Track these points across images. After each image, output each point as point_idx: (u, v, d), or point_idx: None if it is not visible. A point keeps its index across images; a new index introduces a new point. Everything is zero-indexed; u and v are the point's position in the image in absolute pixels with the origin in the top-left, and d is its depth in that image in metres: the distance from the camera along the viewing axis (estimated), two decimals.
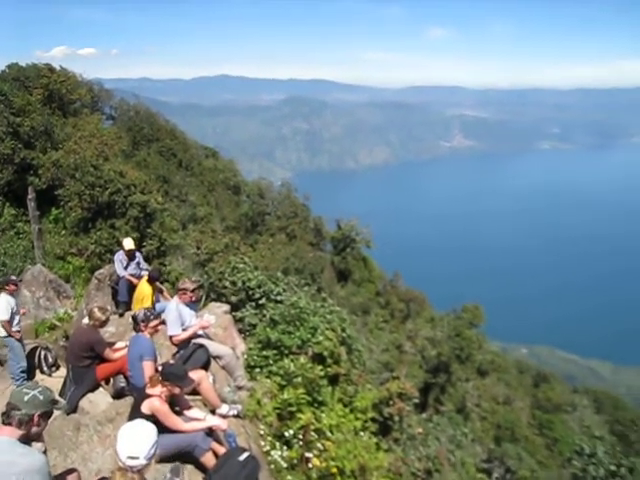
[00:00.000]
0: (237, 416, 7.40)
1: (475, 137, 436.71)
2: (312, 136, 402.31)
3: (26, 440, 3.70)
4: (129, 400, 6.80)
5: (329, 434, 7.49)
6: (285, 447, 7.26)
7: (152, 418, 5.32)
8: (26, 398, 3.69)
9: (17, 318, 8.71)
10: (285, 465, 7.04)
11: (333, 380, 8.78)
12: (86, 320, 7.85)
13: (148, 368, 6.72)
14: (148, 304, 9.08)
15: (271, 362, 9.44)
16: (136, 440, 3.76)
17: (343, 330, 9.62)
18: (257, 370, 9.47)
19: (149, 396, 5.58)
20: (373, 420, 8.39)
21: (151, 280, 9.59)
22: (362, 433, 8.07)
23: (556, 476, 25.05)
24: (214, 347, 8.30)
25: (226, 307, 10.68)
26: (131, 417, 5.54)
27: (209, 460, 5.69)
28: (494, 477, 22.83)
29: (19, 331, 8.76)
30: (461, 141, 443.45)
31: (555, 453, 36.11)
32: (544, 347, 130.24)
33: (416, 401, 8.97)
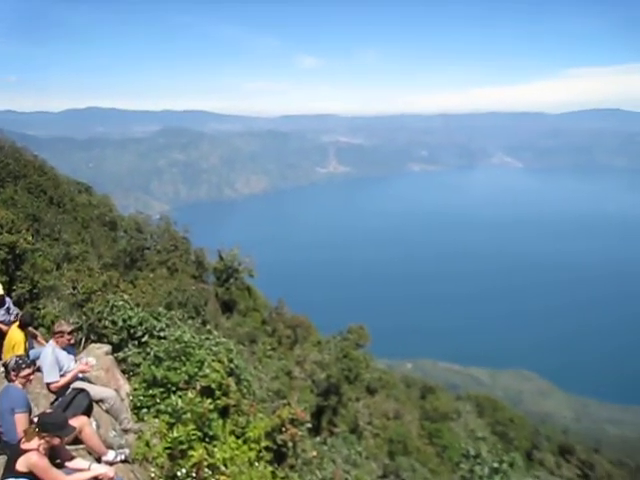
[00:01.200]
0: (125, 461, 7.10)
1: (350, 163, 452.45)
2: (189, 167, 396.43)
3: None
4: (1, 459, 6.28)
5: (223, 468, 7.36)
6: None
7: (30, 475, 4.97)
8: None
9: None
10: None
11: (223, 412, 8.66)
12: None
13: (21, 421, 6.27)
14: (20, 351, 8.51)
15: (158, 400, 9.15)
16: None
17: (230, 361, 9.54)
18: (144, 410, 9.14)
19: (25, 451, 5.20)
20: (267, 449, 8.36)
21: (23, 325, 9.04)
22: (257, 463, 8.00)
23: None
24: (96, 390, 7.94)
25: (107, 348, 10.25)
26: (4, 477, 5.14)
27: None
28: None
29: None
30: (337, 167, 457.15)
31: (445, 459, 37.72)
32: (427, 360, 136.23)
33: (309, 425, 9.04)
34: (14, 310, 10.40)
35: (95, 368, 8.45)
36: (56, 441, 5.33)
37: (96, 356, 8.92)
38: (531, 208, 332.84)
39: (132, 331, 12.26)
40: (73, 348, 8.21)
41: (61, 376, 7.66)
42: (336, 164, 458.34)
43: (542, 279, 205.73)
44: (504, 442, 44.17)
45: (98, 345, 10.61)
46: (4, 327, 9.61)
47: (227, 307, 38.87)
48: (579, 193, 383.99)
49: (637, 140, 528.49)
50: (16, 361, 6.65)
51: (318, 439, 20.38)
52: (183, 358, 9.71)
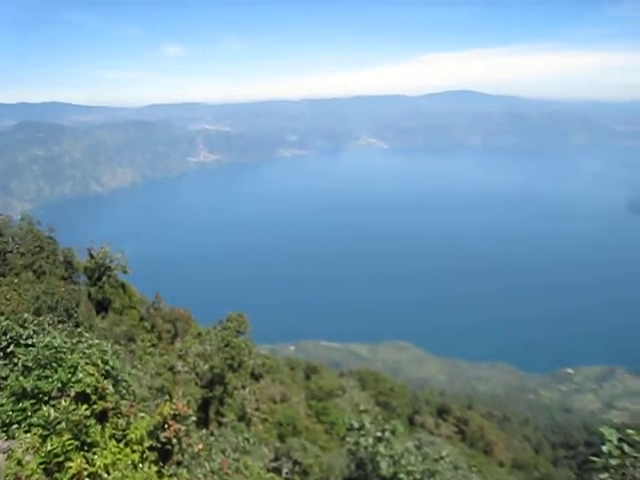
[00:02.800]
0: None
1: (219, 151, 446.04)
2: (51, 163, 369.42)
3: None
4: None
5: (105, 475, 7.06)
6: None
7: None
8: None
9: None
10: None
11: (101, 417, 8.28)
12: None
13: None
14: None
15: (29, 413, 8.53)
16: None
17: (105, 363, 9.11)
18: (14, 426, 8.50)
19: None
20: (151, 448, 8.13)
21: None
22: (141, 465, 7.76)
23: (336, 455, 26.93)
24: None
25: None
26: None
27: None
28: (284, 472, 23.71)
29: None
30: (207, 155, 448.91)
31: (334, 435, 38.89)
32: (309, 341, 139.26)
33: (194, 419, 8.90)
34: None
35: None
36: None
37: None
38: (396, 185, 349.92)
39: None
40: None
41: None
42: (206, 153, 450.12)
43: (405, 250, 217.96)
44: (387, 411, 46.40)
45: None
46: None
47: (102, 307, 37.00)
48: (438, 169, 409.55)
49: (489, 120, 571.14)
50: None
51: (205, 431, 20.17)
52: (54, 365, 9.11)
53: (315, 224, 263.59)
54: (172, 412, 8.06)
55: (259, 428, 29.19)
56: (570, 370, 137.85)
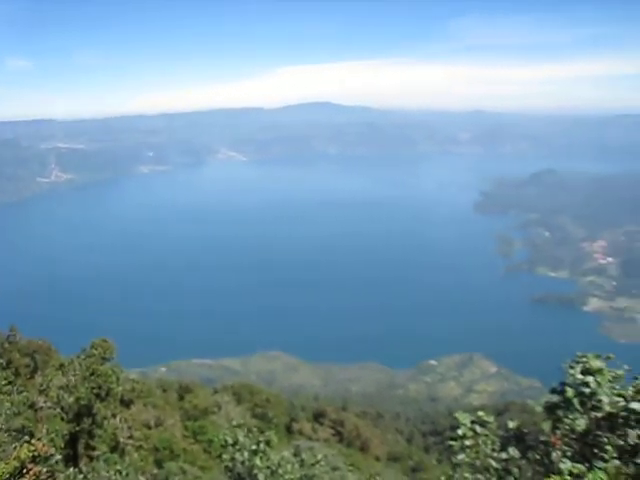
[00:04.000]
0: None
1: (73, 169, 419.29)
2: None
3: None
4: None
5: None
6: None
7: None
8: None
9: None
10: None
11: None
12: None
13: None
14: None
15: None
16: None
17: None
18: None
19: None
20: None
21: None
22: None
23: (217, 474, 26.55)
24: None
25: None
26: None
27: None
28: None
29: None
30: (59, 175, 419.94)
31: (213, 454, 38.21)
32: (180, 361, 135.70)
33: (59, 457, 8.39)
34: None
35: None
36: None
37: None
38: (255, 197, 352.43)
39: None
40: None
41: None
42: (58, 172, 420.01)
43: (265, 260, 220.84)
44: (265, 422, 46.43)
45: None
46: None
47: None
48: (297, 180, 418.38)
49: (346, 130, 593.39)
50: None
51: (73, 469, 19.00)
52: None
53: (175, 238, 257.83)
54: (31, 454, 7.45)
55: (134, 457, 27.93)
56: (433, 362, 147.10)
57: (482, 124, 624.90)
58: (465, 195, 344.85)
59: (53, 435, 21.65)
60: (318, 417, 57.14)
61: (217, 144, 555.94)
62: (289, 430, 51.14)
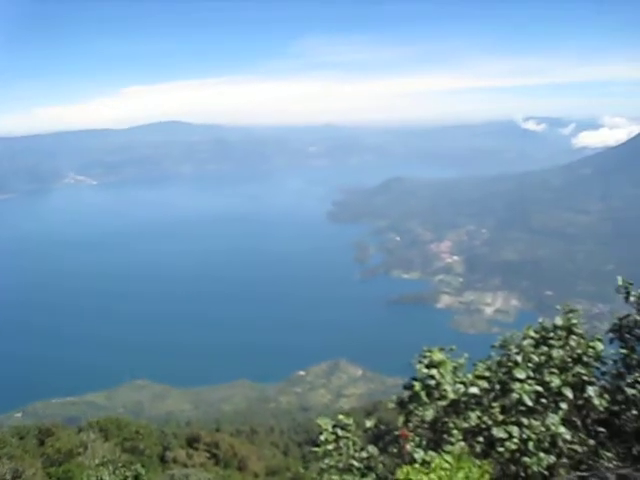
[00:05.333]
0: None
1: None
2: None
3: None
4: None
5: None
6: None
7: None
8: None
9: None
10: None
11: None
12: None
13: None
14: None
15: None
16: None
17: None
18: None
19: None
20: None
21: None
22: None
23: None
24: None
25: None
26: None
27: None
28: None
29: None
30: None
31: None
32: (37, 403, 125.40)
33: None
34: None
35: None
36: None
37: None
38: (108, 220, 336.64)
39: None
40: None
41: None
42: None
43: (115, 287, 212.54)
44: (136, 455, 44.55)
45: None
46: None
47: None
48: (149, 201, 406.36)
49: (198, 148, 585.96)
50: None
51: None
52: None
53: (20, 270, 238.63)
54: None
55: None
56: (302, 372, 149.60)
57: (332, 137, 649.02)
58: (319, 206, 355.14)
59: None
60: (192, 442, 55.86)
61: (64, 168, 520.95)
62: (163, 460, 49.46)
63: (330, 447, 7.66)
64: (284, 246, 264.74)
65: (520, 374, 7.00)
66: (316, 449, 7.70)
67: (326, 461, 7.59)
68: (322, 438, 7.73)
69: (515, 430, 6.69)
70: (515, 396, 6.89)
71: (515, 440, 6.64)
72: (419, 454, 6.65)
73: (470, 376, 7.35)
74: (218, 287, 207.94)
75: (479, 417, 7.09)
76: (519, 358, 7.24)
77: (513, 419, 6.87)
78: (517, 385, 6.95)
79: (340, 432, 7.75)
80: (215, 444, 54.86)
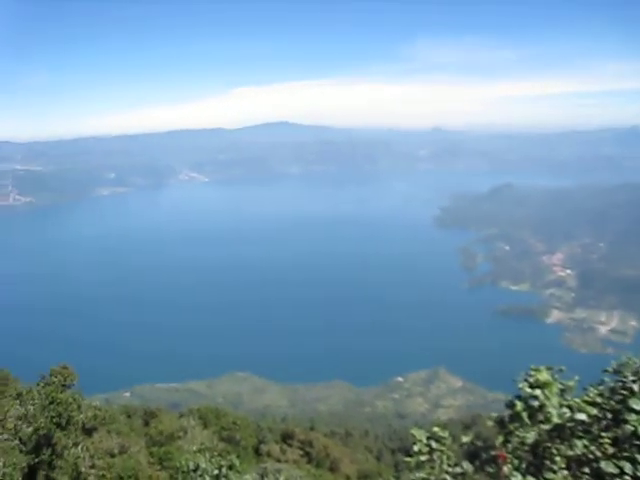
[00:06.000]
0: None
1: (31, 192, 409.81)
2: None
3: None
4: None
5: None
6: None
7: None
8: None
9: None
10: None
11: None
12: None
13: None
14: None
15: None
16: None
17: None
18: None
19: None
20: None
21: None
22: None
23: None
24: None
25: None
26: None
27: None
28: None
29: None
30: (17, 198, 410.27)
31: None
32: (145, 385, 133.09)
33: None
34: None
35: None
36: None
37: None
38: (217, 217, 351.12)
39: None
40: None
41: None
42: (16, 195, 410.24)
43: (231, 281, 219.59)
44: (232, 445, 45.87)
45: None
46: None
47: None
48: (258, 200, 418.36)
49: (305, 149, 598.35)
50: None
51: None
52: None
53: (138, 259, 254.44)
54: None
55: None
56: (400, 378, 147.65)
57: (440, 141, 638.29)
58: (426, 211, 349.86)
59: (10, 469, 20.99)
60: (286, 438, 56.61)
61: (178, 165, 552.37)
62: (257, 452, 50.53)
63: (423, 459, 7.25)
64: (389, 249, 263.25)
65: (636, 405, 6.17)
66: (408, 459, 7.32)
67: (418, 473, 7.20)
68: (415, 449, 7.32)
69: (627, 466, 5.91)
70: (629, 428, 6.08)
71: (627, 477, 5.87)
72: (517, 478, 6.14)
73: (579, 400, 6.59)
74: (323, 290, 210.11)
75: (586, 446, 6.31)
76: (636, 387, 6.38)
77: (626, 454, 6.06)
78: (632, 417, 6.12)
79: (434, 444, 7.31)
80: (309, 442, 55.22)
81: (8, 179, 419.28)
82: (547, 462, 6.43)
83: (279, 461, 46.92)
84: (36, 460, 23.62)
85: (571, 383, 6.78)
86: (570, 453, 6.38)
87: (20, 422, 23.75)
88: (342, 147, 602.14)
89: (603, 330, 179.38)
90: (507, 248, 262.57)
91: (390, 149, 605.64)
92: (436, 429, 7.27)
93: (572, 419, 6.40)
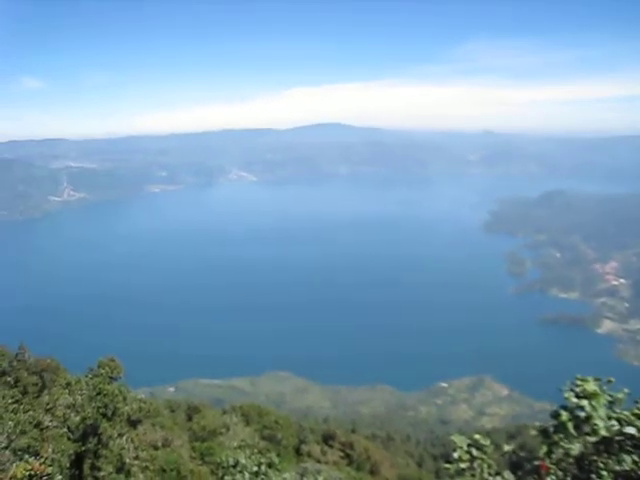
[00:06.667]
0: None
1: (85, 188, 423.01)
2: None
3: None
4: None
5: None
6: None
7: None
8: None
9: None
10: None
11: None
12: None
13: None
14: None
15: None
16: None
17: None
18: None
19: None
20: None
21: None
22: None
23: None
24: None
25: None
26: None
27: None
28: None
29: None
30: (71, 194, 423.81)
31: (220, 475, 37.80)
32: (189, 380, 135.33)
33: (59, 477, 8.38)
34: None
35: None
36: None
37: None
38: (266, 217, 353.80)
39: None
40: None
41: None
42: (71, 191, 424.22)
43: (276, 281, 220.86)
44: (274, 443, 46.13)
45: None
46: None
47: None
48: (307, 200, 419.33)
49: (356, 150, 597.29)
50: None
51: None
52: None
53: (187, 258, 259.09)
54: (27, 473, 7.42)
55: (140, 477, 27.76)
56: (444, 384, 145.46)
57: (491, 145, 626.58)
58: (475, 215, 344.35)
59: (58, 455, 21.56)
60: (327, 439, 56.55)
61: (228, 164, 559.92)
62: (298, 452, 50.65)
63: (463, 466, 7.06)
64: (438, 253, 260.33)
65: None
66: (448, 466, 7.15)
67: None
68: (455, 455, 7.15)
69: None
70: None
71: None
72: None
73: (628, 414, 6.26)
74: (369, 292, 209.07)
75: (635, 462, 5.99)
76: None
77: None
78: None
79: (475, 452, 7.11)
80: (350, 444, 55.02)
81: (63, 175, 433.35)
82: (593, 476, 6.16)
83: (319, 462, 46.92)
84: (83, 448, 24.23)
85: (620, 395, 6.48)
86: (618, 468, 6.08)
87: (69, 411, 24.42)
88: (392, 149, 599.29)
89: None
90: (557, 255, 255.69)
91: (440, 152, 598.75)
92: (477, 436, 7.06)
93: (621, 432, 6.09)
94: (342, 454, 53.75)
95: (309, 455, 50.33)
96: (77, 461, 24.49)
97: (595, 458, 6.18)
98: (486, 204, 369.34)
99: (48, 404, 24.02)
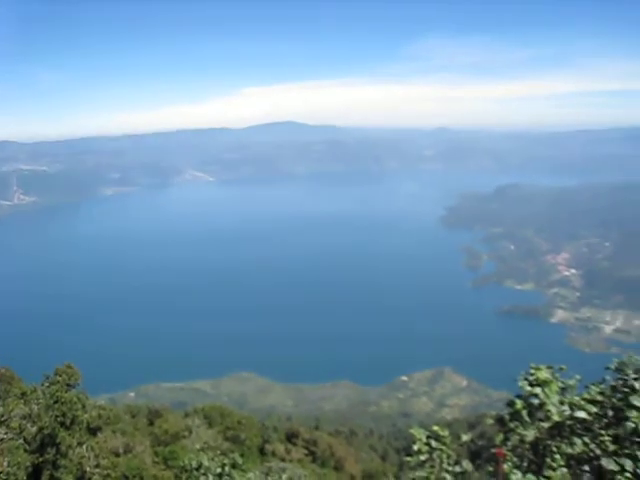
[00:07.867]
0: None
1: (36, 192, 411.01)
2: None
3: None
4: None
5: None
6: None
7: None
8: None
9: None
10: None
11: None
12: None
13: None
14: None
15: None
16: None
17: None
18: None
19: None
20: None
21: None
22: None
23: None
24: None
25: None
26: None
27: None
28: None
29: None
30: (22, 197, 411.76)
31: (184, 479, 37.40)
32: (149, 385, 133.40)
33: None
34: None
35: None
36: None
37: None
38: (225, 217, 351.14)
39: None
40: None
41: None
42: (21, 194, 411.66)
43: (232, 282, 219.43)
44: (237, 444, 45.96)
45: None
46: None
47: None
48: (265, 200, 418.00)
49: (312, 149, 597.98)
50: None
51: None
52: None
53: (142, 260, 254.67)
54: None
55: None
56: (404, 378, 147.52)
57: (446, 141, 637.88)
58: (432, 210, 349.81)
59: (14, 468, 21.03)
60: (291, 437, 56.69)
61: (183, 165, 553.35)
62: (262, 452, 50.60)
63: (423, 458, 7.25)
64: (395, 250, 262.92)
65: (638, 402, 6.15)
66: (409, 458, 7.33)
67: (418, 473, 7.21)
68: (415, 448, 7.35)
69: (628, 463, 5.90)
70: (630, 425, 6.07)
71: (628, 474, 5.86)
72: (516, 476, 6.16)
73: (579, 399, 6.58)
74: (328, 291, 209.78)
75: (586, 444, 6.30)
76: (638, 385, 6.35)
77: (627, 451, 6.05)
78: (634, 413, 6.11)
79: (434, 443, 7.31)
80: (313, 442, 55.27)
81: (13, 179, 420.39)
82: (547, 460, 6.43)
83: (284, 460, 46.97)
84: (40, 459, 23.65)
85: (572, 382, 6.78)
86: (570, 451, 6.37)
87: (24, 421, 23.82)
88: (349, 147, 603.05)
89: (608, 330, 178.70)
90: (512, 247, 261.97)
91: (396, 149, 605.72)
92: (435, 428, 7.27)
93: (572, 417, 6.39)
94: (306, 451, 53.97)
95: (273, 454, 50.35)
96: (35, 473, 23.90)
97: (549, 442, 6.46)
98: (442, 199, 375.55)
99: (2, 415, 23.33)
